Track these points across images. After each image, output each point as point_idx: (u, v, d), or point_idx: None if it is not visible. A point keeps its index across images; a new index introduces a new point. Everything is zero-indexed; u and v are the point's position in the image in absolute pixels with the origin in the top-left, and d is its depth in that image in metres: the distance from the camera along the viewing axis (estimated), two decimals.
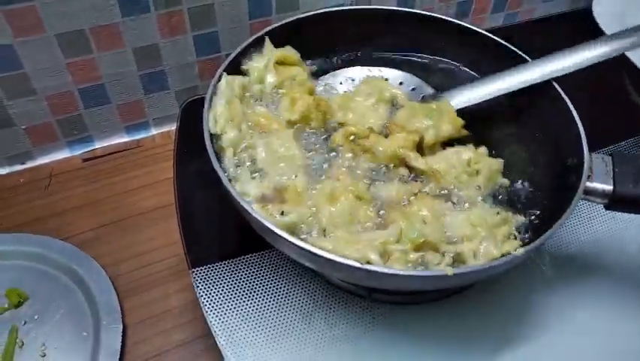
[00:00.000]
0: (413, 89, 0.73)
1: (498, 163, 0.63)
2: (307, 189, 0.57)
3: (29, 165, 0.91)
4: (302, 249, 0.48)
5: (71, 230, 0.81)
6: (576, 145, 0.59)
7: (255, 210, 0.51)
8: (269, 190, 0.56)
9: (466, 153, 0.63)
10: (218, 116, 0.60)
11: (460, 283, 0.56)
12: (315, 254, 0.48)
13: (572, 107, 0.62)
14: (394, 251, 0.51)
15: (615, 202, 0.56)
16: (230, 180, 0.56)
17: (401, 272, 0.46)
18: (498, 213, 0.58)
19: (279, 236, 0.49)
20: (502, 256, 0.51)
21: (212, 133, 0.59)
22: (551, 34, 1.08)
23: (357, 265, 0.46)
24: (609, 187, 0.55)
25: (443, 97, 0.69)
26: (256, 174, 0.59)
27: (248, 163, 0.60)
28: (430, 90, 0.73)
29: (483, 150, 0.64)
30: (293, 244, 0.48)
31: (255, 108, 0.65)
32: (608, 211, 0.58)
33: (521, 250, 0.49)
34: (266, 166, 0.59)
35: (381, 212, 0.57)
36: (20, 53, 0.77)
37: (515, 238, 0.56)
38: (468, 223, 0.56)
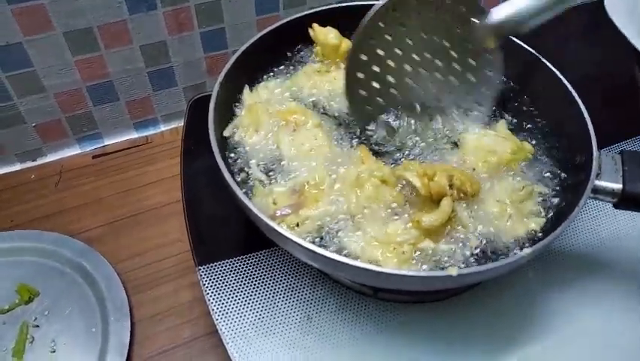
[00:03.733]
0: None
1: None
2: (327, 178, 0.58)
3: (40, 161, 0.92)
4: (311, 251, 0.48)
5: (81, 227, 0.82)
6: (585, 142, 0.58)
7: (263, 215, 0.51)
8: (284, 201, 0.57)
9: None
10: (237, 126, 0.63)
11: (464, 284, 0.56)
12: (321, 255, 0.48)
13: (581, 103, 0.61)
14: (425, 248, 0.53)
15: (624, 201, 0.55)
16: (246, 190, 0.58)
17: (405, 272, 0.46)
18: (523, 187, 0.58)
19: (291, 240, 0.49)
20: (528, 233, 0.55)
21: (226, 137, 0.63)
22: (563, 28, 1.06)
23: (363, 266, 0.46)
24: (618, 186, 0.54)
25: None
26: (273, 182, 0.60)
27: (272, 164, 0.61)
28: None
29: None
30: (303, 247, 0.49)
31: (285, 104, 0.66)
32: (616, 210, 0.57)
33: (528, 250, 0.49)
34: (291, 161, 0.60)
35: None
36: (29, 51, 0.78)
37: (541, 215, 0.57)
38: (494, 200, 0.57)
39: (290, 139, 0.62)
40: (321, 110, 0.67)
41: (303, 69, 0.71)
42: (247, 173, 0.61)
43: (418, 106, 0.64)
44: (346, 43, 0.69)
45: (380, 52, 0.60)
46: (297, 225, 0.55)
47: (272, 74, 0.72)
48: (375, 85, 0.62)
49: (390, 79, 0.62)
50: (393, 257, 0.52)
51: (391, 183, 0.57)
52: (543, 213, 0.58)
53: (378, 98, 0.62)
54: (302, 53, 0.74)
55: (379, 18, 0.58)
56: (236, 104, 0.67)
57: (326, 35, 0.68)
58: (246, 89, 0.68)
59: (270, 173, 0.60)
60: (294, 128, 0.63)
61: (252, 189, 0.59)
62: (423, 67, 0.62)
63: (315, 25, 0.69)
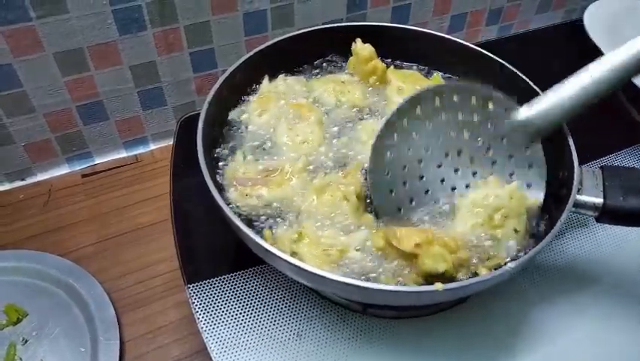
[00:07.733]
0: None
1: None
2: (303, 172, 0.60)
3: (29, 181, 0.92)
4: (293, 265, 0.49)
5: (70, 246, 0.82)
6: (567, 158, 0.60)
7: (245, 227, 0.52)
8: (252, 174, 0.60)
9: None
10: (244, 111, 0.68)
11: (449, 298, 0.57)
12: (298, 267, 0.49)
13: None
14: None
15: (605, 215, 0.56)
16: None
17: (391, 288, 0.46)
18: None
19: (269, 251, 0.50)
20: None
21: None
22: (545, 47, 1.09)
23: (347, 281, 0.47)
24: (599, 200, 0.56)
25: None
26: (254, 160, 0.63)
27: (262, 146, 0.65)
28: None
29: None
30: (285, 260, 0.49)
31: (297, 99, 0.69)
32: (599, 224, 0.58)
33: (511, 265, 0.50)
34: (280, 147, 0.64)
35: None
36: (19, 71, 0.79)
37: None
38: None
39: (288, 128, 0.65)
40: (324, 114, 0.70)
41: (327, 76, 0.74)
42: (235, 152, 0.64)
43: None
44: (378, 62, 0.73)
45: (404, 146, 0.59)
46: (246, 195, 0.58)
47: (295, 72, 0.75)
48: (400, 178, 0.59)
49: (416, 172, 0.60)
50: (318, 257, 0.53)
51: (353, 203, 0.58)
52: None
53: (402, 190, 0.59)
54: (332, 62, 0.78)
55: (401, 115, 0.59)
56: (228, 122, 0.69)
57: (362, 48, 0.72)
58: (266, 79, 0.71)
59: (257, 150, 0.64)
60: (297, 121, 0.66)
61: (233, 157, 0.63)
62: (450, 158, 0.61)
63: (357, 39, 0.73)
